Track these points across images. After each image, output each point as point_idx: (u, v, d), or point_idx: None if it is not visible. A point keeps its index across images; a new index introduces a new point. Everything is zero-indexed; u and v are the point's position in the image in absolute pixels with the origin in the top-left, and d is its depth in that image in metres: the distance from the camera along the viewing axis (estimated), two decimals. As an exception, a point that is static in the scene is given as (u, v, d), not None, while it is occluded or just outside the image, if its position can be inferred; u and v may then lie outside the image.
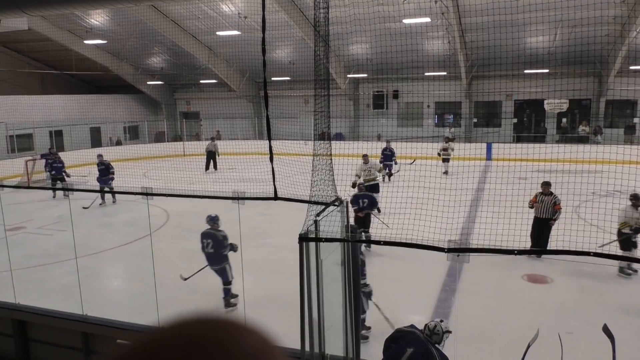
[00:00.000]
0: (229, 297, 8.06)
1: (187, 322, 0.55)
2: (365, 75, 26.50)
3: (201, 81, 30.70)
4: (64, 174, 16.80)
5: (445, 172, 18.41)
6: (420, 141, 20.53)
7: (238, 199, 6.58)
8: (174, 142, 29.13)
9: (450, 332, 4.92)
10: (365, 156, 13.94)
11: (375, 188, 13.01)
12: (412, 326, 4.85)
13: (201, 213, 14.31)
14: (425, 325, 4.92)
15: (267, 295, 8.71)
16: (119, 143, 28.86)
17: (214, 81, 29.57)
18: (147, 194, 6.73)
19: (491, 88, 23.89)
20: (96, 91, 32.40)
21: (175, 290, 8.62)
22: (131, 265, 10.53)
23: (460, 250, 4.47)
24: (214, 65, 26.85)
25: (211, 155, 21.62)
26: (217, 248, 8.03)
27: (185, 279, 8.67)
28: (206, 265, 8.07)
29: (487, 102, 26.33)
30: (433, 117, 27.69)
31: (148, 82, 30.83)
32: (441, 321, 4.96)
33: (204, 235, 8.04)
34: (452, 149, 19.19)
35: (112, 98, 30.30)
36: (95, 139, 28.86)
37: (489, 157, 21.78)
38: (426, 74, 24.27)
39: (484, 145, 22.45)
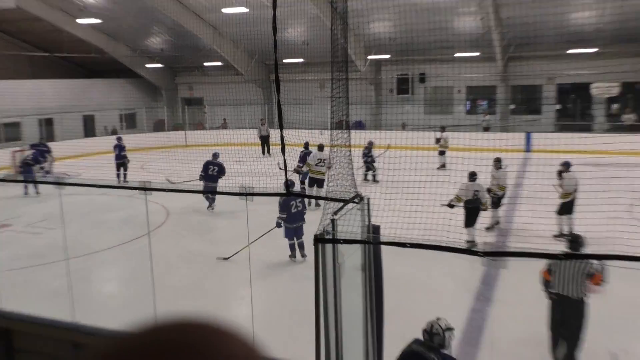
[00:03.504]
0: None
1: (161, 325, 0.60)
2: (388, 56, 26.30)
3: (205, 64, 30.73)
4: (125, 159, 18.08)
5: (442, 166, 18.30)
6: (450, 130, 20.32)
7: (246, 194, 6.56)
8: (175, 131, 29.26)
9: (451, 328, 4.92)
10: (321, 146, 14.11)
11: (320, 183, 13.13)
12: (415, 341, 4.90)
13: (204, 210, 14.45)
14: (422, 330, 4.95)
15: (278, 302, 8.69)
16: (114, 132, 28.99)
17: (219, 64, 29.59)
18: (145, 189, 6.71)
19: (530, 70, 23.53)
20: (90, 75, 32.64)
21: (176, 296, 8.64)
22: (127, 268, 10.59)
23: (497, 254, 4.38)
24: (219, 46, 26.88)
25: (265, 140, 24.15)
26: (303, 207, 10.39)
27: (226, 259, 10.22)
28: (253, 242, 9.37)
29: (526, 86, 25.98)
30: (464, 103, 27.41)
31: (147, 65, 30.98)
32: (438, 319, 4.98)
33: (288, 200, 10.14)
34: (448, 140, 19.09)
35: (107, 83, 30.53)
36: (89, 128, 29.11)
37: (528, 149, 21.53)
38: (456, 54, 24.01)
39: (523, 135, 22.18)
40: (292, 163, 14.94)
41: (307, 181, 14.57)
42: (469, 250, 4.47)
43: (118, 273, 10.77)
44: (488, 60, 24.37)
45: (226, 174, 14.39)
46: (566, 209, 10.97)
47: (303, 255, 10.23)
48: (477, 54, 24.15)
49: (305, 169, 14.40)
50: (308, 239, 9.87)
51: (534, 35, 19.40)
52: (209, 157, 14.64)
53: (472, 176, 10.72)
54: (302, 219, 10.31)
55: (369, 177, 16.78)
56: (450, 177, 10.53)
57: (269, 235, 10.35)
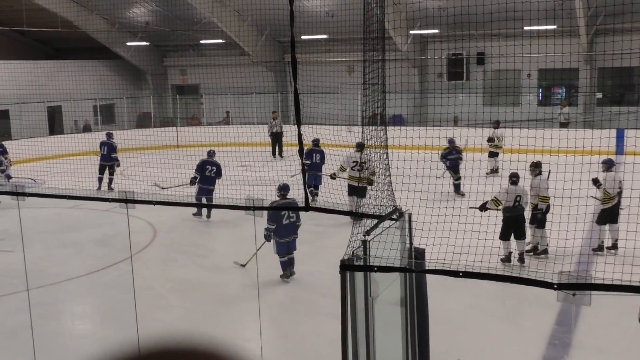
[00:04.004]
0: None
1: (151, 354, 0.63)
2: (437, 31, 26.26)
3: (202, 42, 30.99)
4: (115, 162, 18.98)
5: (493, 171, 18.59)
6: (517, 126, 20.23)
7: (254, 208, 6.66)
8: (163, 127, 29.55)
9: None
10: (360, 145, 14.09)
11: (361, 192, 13.34)
12: None
13: (199, 228, 14.62)
14: None
15: (294, 346, 8.75)
16: (87, 129, 29.46)
17: (219, 41, 29.82)
18: (127, 201, 6.87)
19: (625, 48, 23.31)
20: (56, 56, 33.13)
21: (166, 336, 8.76)
22: (104, 301, 10.74)
23: (577, 287, 4.40)
24: (219, 18, 27.12)
25: (277, 138, 24.68)
26: (297, 219, 10.98)
27: (243, 265, 11.18)
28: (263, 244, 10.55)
29: (619, 68, 25.66)
30: (536, 91, 27.21)
31: (128, 43, 31.34)
32: None
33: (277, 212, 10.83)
34: (502, 138, 19.07)
35: (78, 65, 30.85)
36: (56, 123, 29.50)
37: (620, 151, 21.30)
38: (526, 28, 23.88)
39: (613, 132, 21.96)
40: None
41: (321, 186, 14.86)
42: (541, 282, 4.50)
43: (92, 307, 10.93)
44: (568, 35, 24.21)
45: (230, 182, 14.58)
46: (608, 216, 11.52)
47: (291, 273, 11.03)
48: (553, 27, 24.00)
49: (341, 174, 14.65)
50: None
51: (630, 2, 19.21)
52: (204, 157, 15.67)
53: (514, 178, 11.20)
54: (295, 232, 11.02)
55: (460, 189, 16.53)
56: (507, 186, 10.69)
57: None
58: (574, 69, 25.64)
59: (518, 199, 10.95)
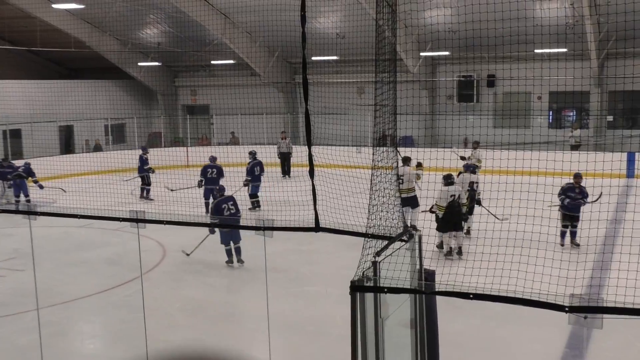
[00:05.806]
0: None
1: None
2: (447, 53, 26.36)
3: (213, 62, 31.22)
4: (150, 171, 20.66)
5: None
6: (528, 149, 20.19)
7: (264, 229, 6.68)
8: (173, 147, 29.70)
9: None
10: (407, 159, 14.92)
11: (413, 201, 14.05)
12: None
13: (210, 248, 14.61)
14: None
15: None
16: (97, 148, 29.64)
17: (230, 62, 30.05)
18: (137, 221, 6.90)
19: (636, 71, 23.32)
20: (68, 75, 33.44)
21: (174, 356, 8.75)
22: (114, 320, 10.75)
23: (588, 309, 4.39)
24: (230, 39, 27.31)
25: (285, 158, 25.35)
26: (236, 212, 12.69)
27: (188, 255, 13.19)
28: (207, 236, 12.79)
29: (630, 92, 25.68)
30: (547, 114, 27.18)
31: (139, 64, 31.60)
32: None
33: (221, 203, 12.86)
34: (479, 160, 18.99)
35: (90, 85, 31.11)
36: (69, 142, 29.68)
37: (630, 174, 21.22)
38: (537, 51, 23.94)
39: (623, 155, 21.90)
40: (323, 189, 15.14)
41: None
42: (553, 304, 4.50)
43: (102, 327, 10.92)
44: (579, 58, 24.23)
45: (240, 202, 14.63)
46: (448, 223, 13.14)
47: (240, 261, 12.59)
48: (564, 50, 24.05)
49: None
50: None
51: None
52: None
53: (448, 179, 12.82)
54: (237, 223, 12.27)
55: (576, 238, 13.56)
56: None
57: (296, 282, 10.44)
58: (584, 92, 25.64)
59: (452, 197, 12.52)
